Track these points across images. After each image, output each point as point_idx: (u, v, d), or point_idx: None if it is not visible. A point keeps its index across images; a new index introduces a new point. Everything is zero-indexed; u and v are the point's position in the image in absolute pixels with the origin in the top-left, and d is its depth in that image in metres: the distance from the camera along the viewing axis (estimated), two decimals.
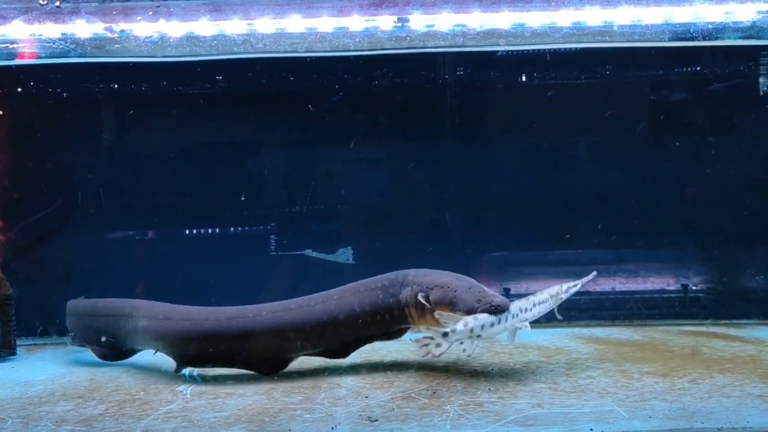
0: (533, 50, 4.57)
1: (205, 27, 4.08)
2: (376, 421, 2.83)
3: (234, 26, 4.09)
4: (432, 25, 4.11)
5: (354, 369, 3.64)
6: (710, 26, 4.12)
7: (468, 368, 3.59)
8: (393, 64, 4.58)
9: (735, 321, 4.71)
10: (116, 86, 4.63)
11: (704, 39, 4.16)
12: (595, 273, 3.67)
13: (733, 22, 4.12)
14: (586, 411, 2.91)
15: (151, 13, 3.87)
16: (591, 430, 2.67)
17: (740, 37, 4.19)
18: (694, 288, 4.79)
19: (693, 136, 4.80)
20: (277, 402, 3.08)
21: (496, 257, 4.87)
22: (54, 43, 4.02)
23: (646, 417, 2.81)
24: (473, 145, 4.81)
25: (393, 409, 2.95)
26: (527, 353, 3.88)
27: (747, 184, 4.73)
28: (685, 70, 4.77)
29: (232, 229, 4.76)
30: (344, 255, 4.70)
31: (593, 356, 3.79)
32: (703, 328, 4.52)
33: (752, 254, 4.85)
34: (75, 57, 4.12)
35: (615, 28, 4.12)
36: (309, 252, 4.70)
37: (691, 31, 4.16)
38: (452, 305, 3.28)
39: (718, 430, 2.60)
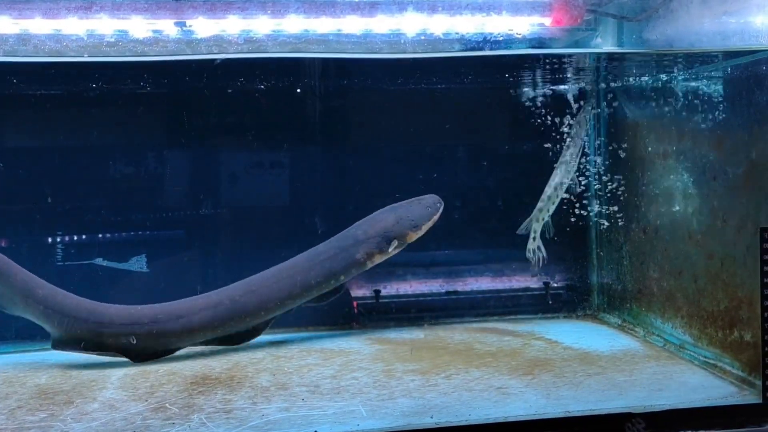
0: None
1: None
2: None
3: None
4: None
5: (125, 378, 3.54)
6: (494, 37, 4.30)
7: (241, 374, 3.58)
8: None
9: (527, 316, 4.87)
10: None
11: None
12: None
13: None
14: (330, 413, 2.98)
15: None
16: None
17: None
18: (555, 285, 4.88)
19: None
20: (15, 421, 2.95)
21: None
22: None
23: (383, 415, 2.91)
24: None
25: (136, 422, 2.91)
26: (308, 356, 3.92)
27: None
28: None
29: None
30: (138, 263, 4.58)
31: (370, 357, 3.88)
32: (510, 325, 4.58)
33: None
34: None
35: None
36: (100, 261, 4.54)
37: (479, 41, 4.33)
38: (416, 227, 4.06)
39: (436, 423, 2.74)
